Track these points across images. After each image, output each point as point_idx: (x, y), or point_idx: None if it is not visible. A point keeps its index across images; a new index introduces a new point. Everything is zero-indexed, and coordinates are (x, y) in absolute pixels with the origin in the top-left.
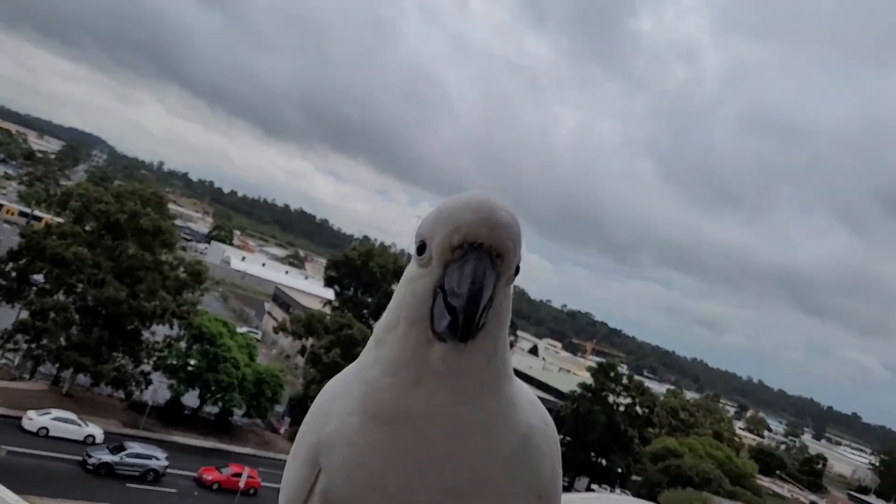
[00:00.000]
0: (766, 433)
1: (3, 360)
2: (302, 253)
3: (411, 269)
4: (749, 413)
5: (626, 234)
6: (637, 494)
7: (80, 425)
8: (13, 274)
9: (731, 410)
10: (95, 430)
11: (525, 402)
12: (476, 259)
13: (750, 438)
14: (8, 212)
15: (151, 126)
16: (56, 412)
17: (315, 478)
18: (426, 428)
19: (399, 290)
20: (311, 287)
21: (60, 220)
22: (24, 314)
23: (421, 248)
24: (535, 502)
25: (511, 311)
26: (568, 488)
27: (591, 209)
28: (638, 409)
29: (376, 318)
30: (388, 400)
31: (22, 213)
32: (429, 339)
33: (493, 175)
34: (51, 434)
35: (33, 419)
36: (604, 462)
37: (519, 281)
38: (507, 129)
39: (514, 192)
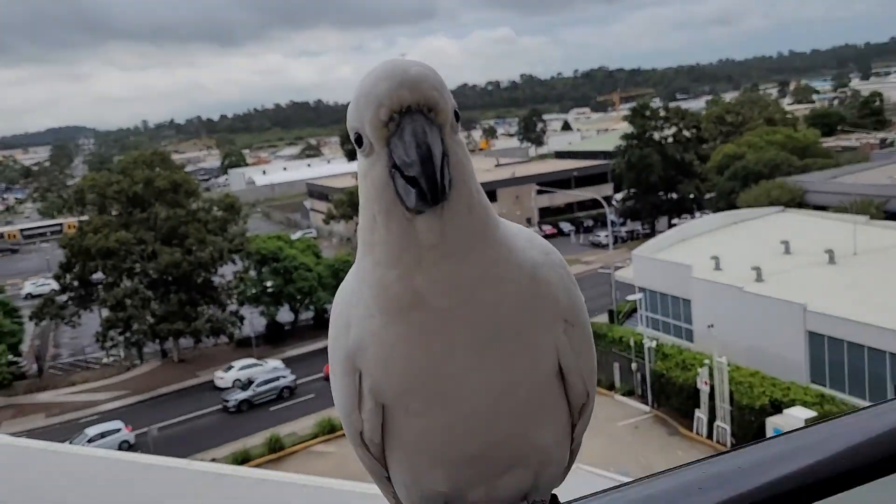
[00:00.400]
0: (815, 97)
1: (112, 358)
2: (314, 141)
3: (361, 164)
4: (792, 86)
5: None
6: (716, 209)
7: (262, 364)
8: (75, 283)
9: (774, 92)
10: (274, 363)
11: (523, 241)
12: (410, 122)
13: (802, 109)
14: (10, 236)
15: (115, 91)
16: (237, 363)
17: (359, 381)
18: (439, 302)
19: (360, 189)
20: (337, 168)
21: (84, 217)
22: (105, 312)
23: (359, 140)
24: (563, 326)
25: (469, 156)
26: (651, 233)
27: None
28: (685, 133)
29: None
30: (398, 292)
31: (23, 232)
32: (409, 220)
33: None
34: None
35: (223, 377)
36: (674, 196)
37: (522, 66)
38: None
39: None
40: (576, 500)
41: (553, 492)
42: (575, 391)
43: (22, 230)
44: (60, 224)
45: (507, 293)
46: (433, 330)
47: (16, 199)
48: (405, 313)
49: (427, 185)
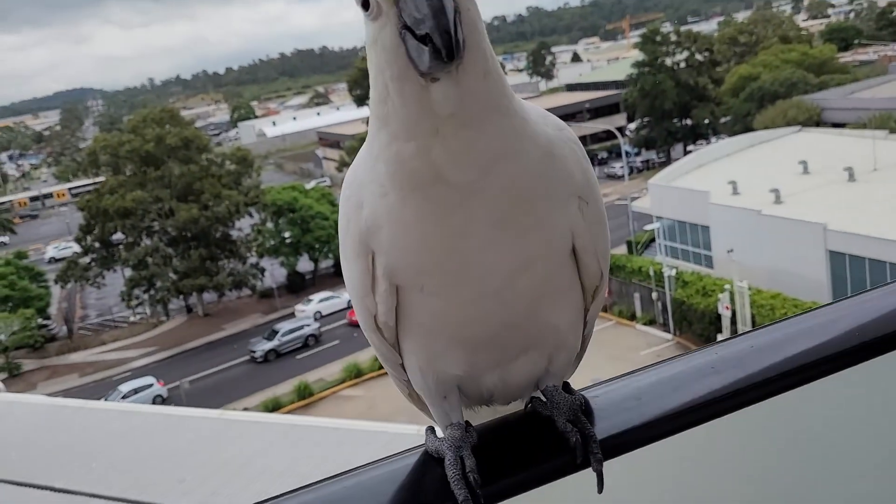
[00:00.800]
0: (830, 12)
1: (138, 316)
2: (321, 89)
3: (369, 29)
4: (806, 1)
5: None
6: (731, 133)
7: (339, 296)
8: (97, 244)
9: (788, 8)
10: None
11: (536, 115)
12: None
13: (817, 25)
14: (21, 203)
15: (119, 51)
16: (316, 296)
17: (372, 263)
18: (458, 176)
19: (370, 58)
20: (347, 115)
21: (97, 179)
22: (128, 272)
23: (365, 3)
24: (577, 203)
25: (482, 18)
26: (666, 161)
27: None
28: (698, 57)
29: None
30: (416, 166)
31: (33, 199)
32: (423, 86)
33: None
34: (324, 314)
35: (304, 310)
36: (689, 122)
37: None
38: None
39: None
40: (591, 385)
41: (566, 380)
42: (589, 271)
43: (41, 195)
44: (47, 194)
45: (525, 167)
46: (451, 205)
47: (30, 164)
48: (423, 189)
49: (441, 39)
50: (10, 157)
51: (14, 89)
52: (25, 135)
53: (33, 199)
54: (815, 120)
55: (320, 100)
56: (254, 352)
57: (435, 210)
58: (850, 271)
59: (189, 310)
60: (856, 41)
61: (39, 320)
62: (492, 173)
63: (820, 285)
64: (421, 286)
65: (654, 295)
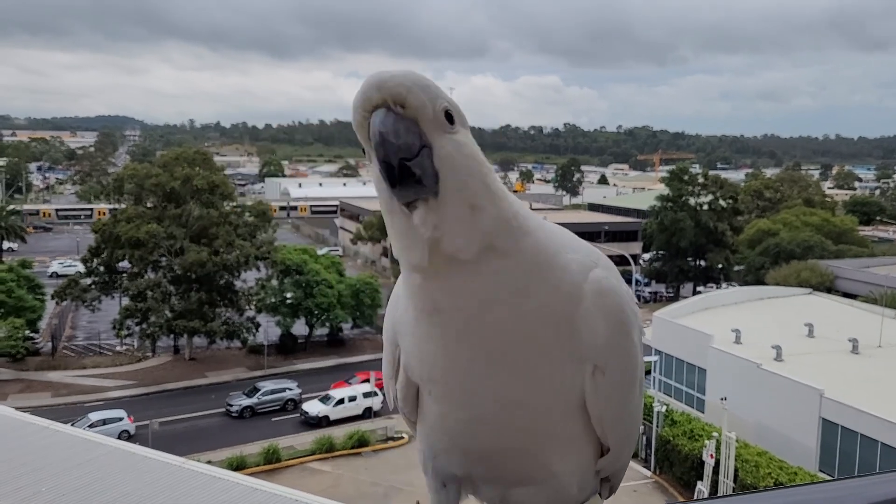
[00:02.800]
0: (856, 185)
1: (125, 347)
2: (352, 161)
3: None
4: (835, 170)
5: (660, 33)
6: (743, 283)
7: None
8: (101, 268)
9: (816, 174)
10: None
11: (564, 246)
12: (375, 116)
13: (842, 195)
14: (45, 214)
15: (167, 88)
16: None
17: (398, 358)
18: (452, 310)
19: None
20: (372, 191)
21: (118, 206)
22: (125, 301)
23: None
24: (592, 369)
25: (478, 158)
26: (674, 297)
27: (617, 20)
28: (721, 202)
29: None
30: (421, 297)
31: (61, 212)
32: (407, 215)
33: (510, 25)
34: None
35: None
36: (702, 263)
37: (567, 115)
38: None
39: (537, 35)
40: None
41: None
42: (597, 432)
43: (57, 210)
44: (91, 209)
45: (528, 313)
46: (450, 335)
47: (57, 179)
48: (426, 314)
49: (381, 166)
50: (39, 169)
51: (58, 104)
52: (59, 150)
53: (61, 212)
54: (828, 286)
55: (349, 171)
56: (231, 405)
57: (438, 334)
58: (840, 443)
59: (176, 350)
60: (878, 217)
61: (27, 332)
62: (487, 312)
63: (808, 452)
64: (429, 390)
65: (641, 428)
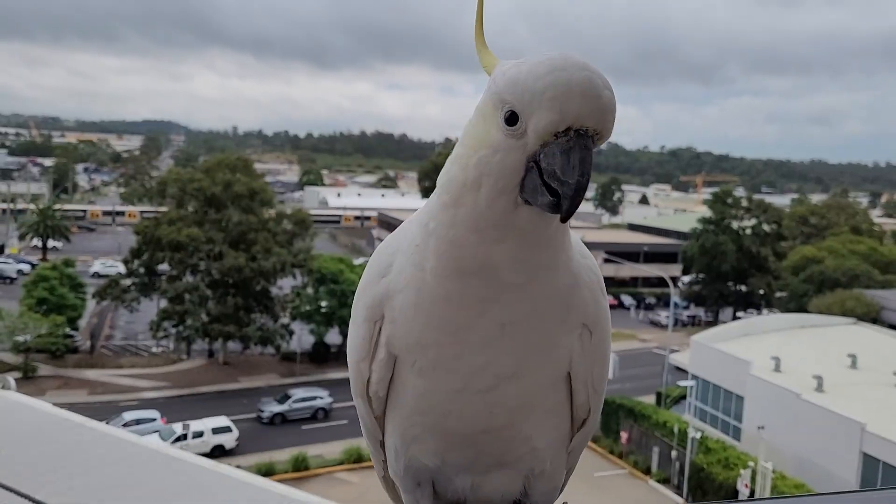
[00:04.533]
0: None
1: (161, 348)
2: (392, 173)
3: (496, 137)
4: (884, 198)
5: (706, 53)
6: (785, 310)
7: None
8: (141, 270)
9: (865, 202)
10: None
11: (573, 240)
12: (583, 149)
13: (892, 224)
14: (92, 215)
15: (211, 94)
16: None
17: (378, 333)
18: (504, 275)
19: (478, 151)
20: (409, 203)
21: (161, 209)
22: (163, 303)
23: (512, 118)
24: (581, 330)
25: None
26: (713, 322)
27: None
28: (765, 227)
29: None
30: (474, 255)
31: (106, 213)
32: (517, 204)
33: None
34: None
35: None
36: (743, 288)
37: (611, 136)
38: None
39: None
40: None
41: None
42: (578, 399)
43: (103, 211)
44: (120, 211)
45: (555, 289)
46: (477, 296)
47: (101, 181)
48: (461, 275)
49: (569, 209)
50: (86, 170)
51: (106, 108)
52: (105, 152)
53: (106, 213)
54: (873, 317)
55: (388, 183)
56: (262, 411)
57: (465, 295)
58: (881, 479)
59: (210, 354)
60: None
61: (67, 329)
62: (537, 280)
63: (847, 487)
64: (414, 361)
65: (674, 454)
